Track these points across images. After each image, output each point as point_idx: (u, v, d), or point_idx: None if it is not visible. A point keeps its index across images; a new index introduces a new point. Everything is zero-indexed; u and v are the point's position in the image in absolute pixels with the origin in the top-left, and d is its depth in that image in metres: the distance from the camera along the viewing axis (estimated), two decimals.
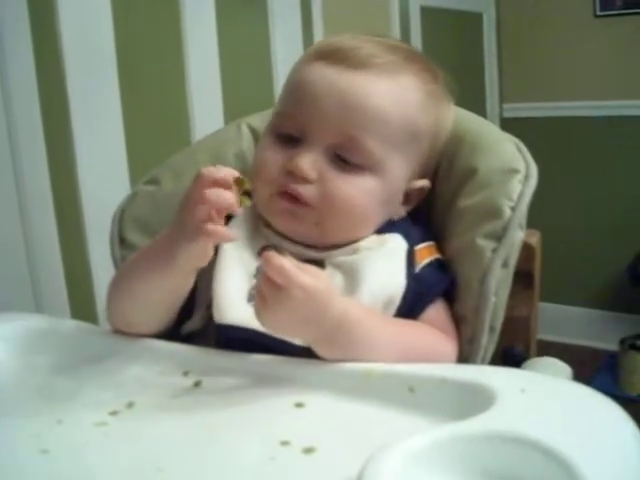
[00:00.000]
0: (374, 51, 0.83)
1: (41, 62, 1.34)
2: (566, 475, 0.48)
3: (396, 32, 2.32)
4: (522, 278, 0.94)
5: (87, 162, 1.42)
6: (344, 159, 0.81)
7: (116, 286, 0.84)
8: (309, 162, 0.80)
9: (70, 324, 0.88)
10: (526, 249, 0.93)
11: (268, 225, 0.85)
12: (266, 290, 0.69)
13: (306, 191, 0.80)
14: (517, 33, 2.89)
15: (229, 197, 0.72)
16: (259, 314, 0.71)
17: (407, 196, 0.88)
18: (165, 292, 0.80)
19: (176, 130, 1.63)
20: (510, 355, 0.96)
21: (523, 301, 0.99)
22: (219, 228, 0.72)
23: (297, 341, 0.75)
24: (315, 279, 0.70)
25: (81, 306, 1.40)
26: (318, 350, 0.73)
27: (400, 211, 0.88)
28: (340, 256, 0.82)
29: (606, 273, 2.88)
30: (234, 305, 0.79)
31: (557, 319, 2.75)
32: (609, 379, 2.55)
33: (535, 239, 0.99)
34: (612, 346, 2.59)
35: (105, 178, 1.45)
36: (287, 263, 0.68)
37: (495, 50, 2.90)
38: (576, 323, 2.92)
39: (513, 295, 0.86)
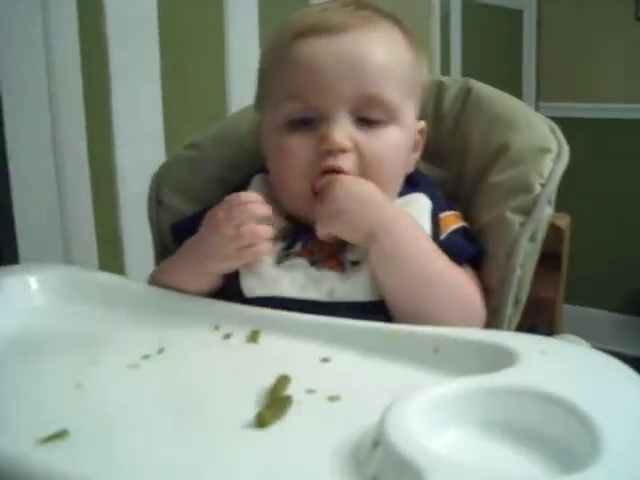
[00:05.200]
0: (346, 14, 0.84)
1: (84, 32, 1.37)
2: (585, 431, 0.48)
3: (436, 26, 2.33)
4: (550, 260, 0.95)
5: (124, 128, 1.46)
6: (367, 118, 0.82)
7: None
8: (341, 132, 0.81)
9: (106, 276, 0.91)
10: (555, 231, 0.94)
11: (288, 217, 0.87)
12: (331, 204, 0.78)
13: (346, 161, 0.82)
14: (557, 32, 2.87)
15: (269, 235, 0.80)
16: (329, 225, 0.80)
17: (415, 142, 0.90)
18: (201, 289, 0.84)
19: (213, 99, 1.66)
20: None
21: (550, 283, 1.00)
22: (257, 251, 0.80)
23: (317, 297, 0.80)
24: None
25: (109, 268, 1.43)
26: (372, 247, 0.78)
27: (411, 161, 0.90)
28: None
29: (631, 277, 2.86)
30: (262, 274, 0.82)
31: (583, 322, 2.74)
32: None
33: (564, 222, 1.00)
34: (636, 351, 2.57)
35: (141, 144, 1.48)
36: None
37: (534, 48, 2.89)
38: (599, 327, 2.90)
39: (540, 276, 0.87)
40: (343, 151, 0.81)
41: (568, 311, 1.08)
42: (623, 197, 2.83)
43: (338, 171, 0.82)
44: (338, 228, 0.80)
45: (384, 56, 0.83)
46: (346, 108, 0.81)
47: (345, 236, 0.81)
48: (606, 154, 2.82)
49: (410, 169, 0.91)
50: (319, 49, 0.82)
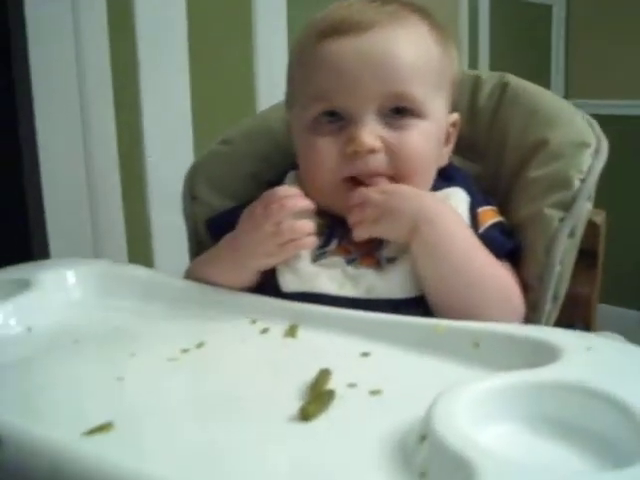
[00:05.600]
0: (371, 10, 0.84)
1: (114, 23, 1.38)
2: (633, 426, 0.48)
3: (464, 21, 2.33)
4: (586, 256, 0.94)
5: (153, 126, 1.46)
6: (395, 114, 0.82)
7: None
8: (370, 133, 0.81)
9: (143, 270, 0.92)
10: (591, 227, 0.93)
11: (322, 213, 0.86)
12: (374, 208, 0.79)
13: (376, 161, 0.81)
14: (586, 28, 2.85)
15: (310, 229, 0.81)
16: (368, 231, 0.80)
17: (447, 135, 0.90)
18: (240, 285, 0.85)
19: (241, 96, 1.67)
20: None
21: (586, 279, 0.99)
22: (300, 245, 0.81)
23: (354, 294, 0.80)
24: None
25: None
26: (415, 241, 0.78)
27: (444, 154, 0.90)
28: None
29: None
30: (299, 271, 0.82)
31: (613, 322, 2.71)
32: None
33: (600, 218, 0.99)
34: None
35: (170, 142, 1.49)
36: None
37: (563, 44, 2.87)
38: (633, 327, 2.87)
39: (576, 273, 0.86)
40: (372, 151, 0.81)
41: (601, 310, 1.06)
42: None
43: (369, 175, 0.82)
44: (378, 231, 0.80)
45: (410, 53, 0.82)
46: (373, 108, 0.81)
47: (387, 236, 0.81)
48: (635, 151, 2.78)
49: (443, 162, 0.90)
50: (344, 49, 0.81)
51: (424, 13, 0.88)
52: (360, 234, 0.81)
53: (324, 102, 0.83)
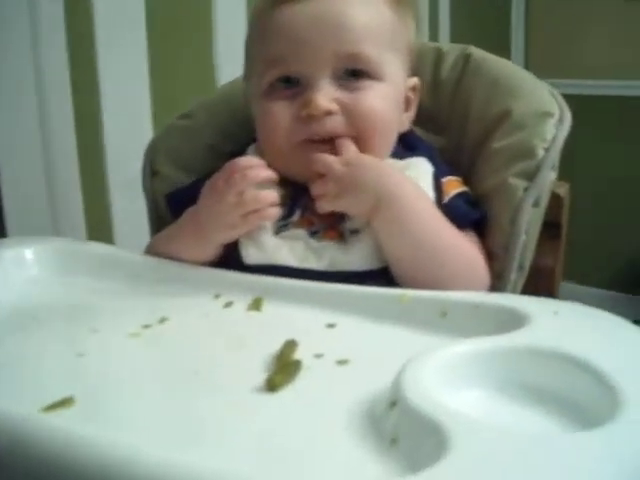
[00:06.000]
0: None
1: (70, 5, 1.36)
2: (602, 388, 0.48)
3: None
4: (549, 228, 0.94)
5: (111, 105, 1.44)
6: (350, 77, 0.81)
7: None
8: (324, 96, 0.80)
9: (102, 247, 0.90)
10: (555, 199, 0.93)
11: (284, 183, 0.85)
12: (336, 181, 0.78)
13: (334, 122, 0.81)
14: (546, 9, 2.86)
15: (274, 199, 0.80)
16: (331, 204, 0.79)
17: (406, 100, 0.89)
18: (203, 259, 0.83)
19: (201, 78, 1.65)
20: None
21: (550, 250, 0.99)
22: (263, 215, 0.80)
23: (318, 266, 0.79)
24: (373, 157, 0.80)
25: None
26: (374, 216, 0.77)
27: (405, 120, 0.89)
28: None
29: (623, 254, 2.87)
30: (261, 244, 0.81)
31: (572, 298, 2.75)
32: None
33: (564, 190, 0.99)
34: None
35: (128, 120, 1.47)
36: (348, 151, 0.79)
37: (523, 25, 2.88)
38: (590, 303, 2.90)
39: (540, 244, 0.87)
40: (328, 113, 0.80)
41: (562, 288, 1.07)
42: (611, 169, 2.84)
43: (324, 139, 0.81)
44: (341, 205, 0.79)
45: (362, 14, 0.82)
46: (328, 71, 0.81)
47: (349, 212, 0.80)
48: (592, 129, 2.81)
49: (404, 128, 0.90)
50: (297, 14, 0.81)
51: None
52: (323, 208, 0.80)
53: (279, 67, 0.82)
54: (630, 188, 2.78)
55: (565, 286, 2.65)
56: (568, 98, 0.90)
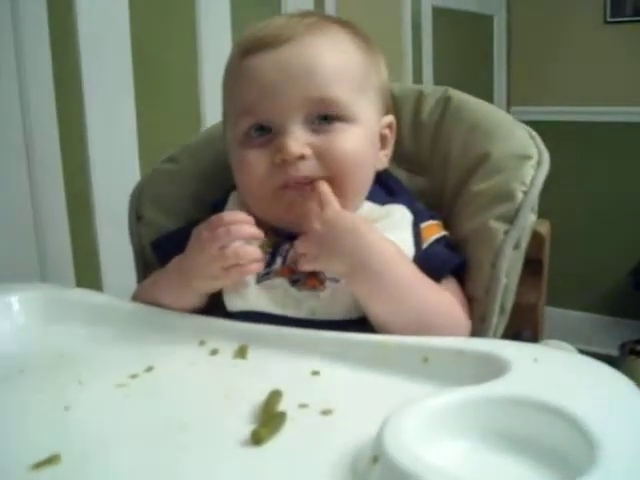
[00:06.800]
0: (292, 23, 0.85)
1: (56, 45, 1.37)
2: (581, 438, 0.48)
3: (407, 31, 2.35)
4: (531, 266, 0.95)
5: (98, 144, 1.44)
6: (322, 121, 0.82)
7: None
8: (296, 141, 0.81)
9: (89, 294, 0.90)
10: (536, 237, 0.94)
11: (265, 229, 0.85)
12: (316, 242, 0.78)
13: (307, 166, 0.82)
14: (527, 37, 2.91)
15: (256, 255, 0.80)
16: (311, 265, 0.79)
17: (383, 138, 0.90)
18: (187, 307, 0.84)
19: (188, 119, 1.66)
20: (519, 340, 0.98)
21: (532, 287, 1.01)
22: (244, 271, 0.80)
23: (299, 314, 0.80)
24: (353, 215, 0.81)
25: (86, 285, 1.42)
26: (352, 280, 0.78)
27: (382, 158, 0.91)
28: None
29: (607, 278, 2.89)
30: (243, 292, 0.82)
31: (557, 323, 2.76)
32: None
33: (545, 228, 1.01)
34: (612, 351, 2.60)
35: (116, 163, 1.47)
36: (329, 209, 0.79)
37: (505, 53, 2.92)
38: (576, 328, 2.92)
39: (522, 281, 0.87)
40: (301, 158, 0.81)
41: (545, 312, 1.08)
42: (592, 195, 2.87)
43: (299, 183, 0.82)
44: (319, 266, 0.80)
45: (329, 58, 0.83)
46: (299, 117, 0.82)
47: (327, 272, 0.81)
48: (575, 156, 2.84)
49: (383, 165, 0.91)
50: (264, 63, 0.82)
51: (345, 23, 0.89)
52: (303, 267, 0.80)
53: (250, 117, 0.84)
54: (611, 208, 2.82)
55: (552, 311, 2.67)
56: (548, 125, 0.91)
